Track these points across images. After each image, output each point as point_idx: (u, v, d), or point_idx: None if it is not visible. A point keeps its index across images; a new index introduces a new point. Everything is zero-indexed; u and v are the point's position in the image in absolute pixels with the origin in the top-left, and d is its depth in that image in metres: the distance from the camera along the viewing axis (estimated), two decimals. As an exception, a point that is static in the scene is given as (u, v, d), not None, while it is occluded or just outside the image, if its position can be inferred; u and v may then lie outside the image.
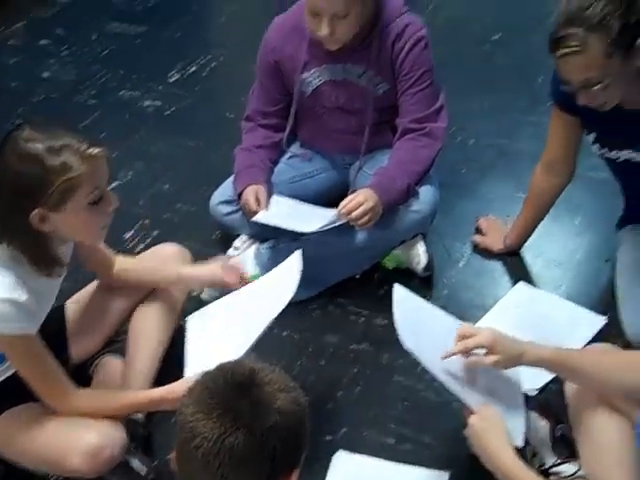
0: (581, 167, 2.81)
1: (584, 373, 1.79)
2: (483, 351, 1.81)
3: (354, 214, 2.38)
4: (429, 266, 2.57)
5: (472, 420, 1.78)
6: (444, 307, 2.48)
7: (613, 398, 1.84)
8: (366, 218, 2.39)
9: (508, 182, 2.95)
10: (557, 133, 2.40)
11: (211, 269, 2.26)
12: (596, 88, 2.01)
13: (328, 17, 2.33)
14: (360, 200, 2.38)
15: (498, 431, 1.75)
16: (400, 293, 1.94)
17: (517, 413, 1.88)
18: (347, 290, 2.60)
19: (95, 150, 1.76)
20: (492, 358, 1.79)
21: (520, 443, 1.79)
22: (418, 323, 1.89)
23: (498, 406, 1.82)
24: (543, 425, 1.98)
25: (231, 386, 1.31)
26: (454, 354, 1.82)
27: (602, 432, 1.82)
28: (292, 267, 2.05)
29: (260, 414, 1.29)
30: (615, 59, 1.95)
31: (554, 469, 1.91)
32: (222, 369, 1.35)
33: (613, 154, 2.31)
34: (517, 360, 1.80)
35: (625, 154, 2.29)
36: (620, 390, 1.80)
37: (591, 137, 2.33)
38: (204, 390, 1.32)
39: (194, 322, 2.13)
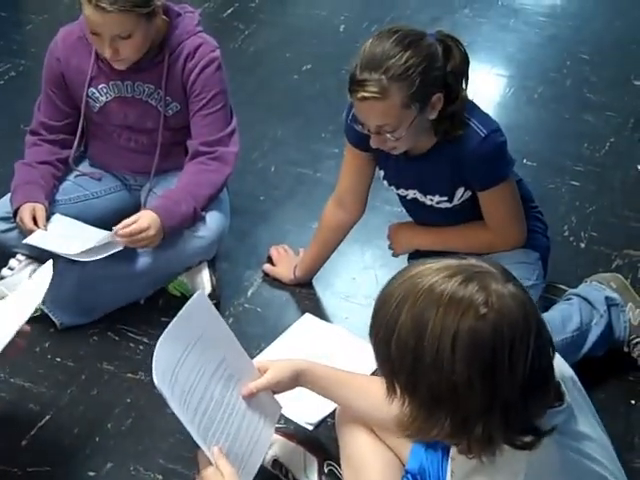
0: (377, 199, 2.83)
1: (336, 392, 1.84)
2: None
3: (133, 239, 2.28)
4: (214, 294, 2.48)
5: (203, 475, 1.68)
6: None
7: (382, 432, 1.81)
8: (145, 243, 2.31)
9: (305, 212, 2.92)
10: (350, 168, 2.38)
11: None
12: (389, 135, 2.02)
13: (109, 38, 2.23)
14: (143, 226, 2.28)
15: None
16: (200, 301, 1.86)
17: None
18: (129, 316, 2.48)
19: None
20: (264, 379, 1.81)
21: None
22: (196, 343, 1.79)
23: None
24: (312, 461, 1.93)
25: None
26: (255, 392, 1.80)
27: (365, 462, 1.79)
28: (42, 277, 1.91)
29: None
30: (412, 110, 1.98)
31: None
32: None
33: (401, 192, 2.34)
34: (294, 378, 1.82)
35: (411, 193, 2.31)
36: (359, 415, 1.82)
37: (382, 173, 2.34)
38: None
39: None
